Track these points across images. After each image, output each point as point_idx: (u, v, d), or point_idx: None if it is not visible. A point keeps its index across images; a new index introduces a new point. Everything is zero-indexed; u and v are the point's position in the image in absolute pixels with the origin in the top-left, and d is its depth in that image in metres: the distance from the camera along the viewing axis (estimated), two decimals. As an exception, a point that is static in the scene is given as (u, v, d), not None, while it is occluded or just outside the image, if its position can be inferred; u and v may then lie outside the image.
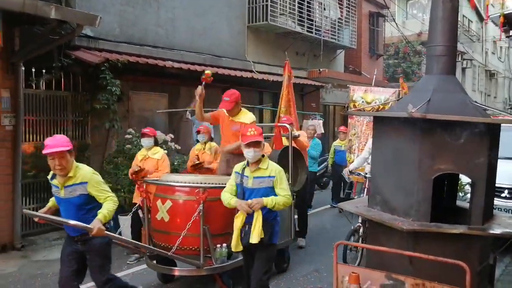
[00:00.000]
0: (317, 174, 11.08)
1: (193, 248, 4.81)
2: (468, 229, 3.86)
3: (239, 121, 5.58)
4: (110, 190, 4.12)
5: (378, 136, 4.55)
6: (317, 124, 13.61)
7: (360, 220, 5.98)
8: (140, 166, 6.00)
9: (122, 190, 7.35)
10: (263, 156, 4.27)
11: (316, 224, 8.62)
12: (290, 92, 8.32)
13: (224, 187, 4.42)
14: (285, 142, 6.87)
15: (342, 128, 10.94)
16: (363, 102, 9.70)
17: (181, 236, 4.67)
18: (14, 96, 6.99)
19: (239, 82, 11.34)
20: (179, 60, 9.80)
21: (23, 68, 7.17)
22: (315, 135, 9.70)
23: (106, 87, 7.83)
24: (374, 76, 11.93)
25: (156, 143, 6.70)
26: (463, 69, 28.66)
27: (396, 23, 21.08)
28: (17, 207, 6.92)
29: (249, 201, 4.13)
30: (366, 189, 6.64)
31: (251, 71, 11.89)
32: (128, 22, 9.12)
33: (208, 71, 5.68)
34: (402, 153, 4.14)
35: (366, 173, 6.57)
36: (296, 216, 6.94)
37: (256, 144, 4.16)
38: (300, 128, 9.54)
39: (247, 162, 4.27)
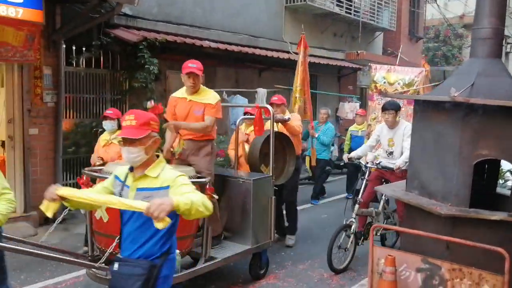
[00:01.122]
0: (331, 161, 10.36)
1: None
2: (509, 215, 3.80)
3: (202, 102, 4.69)
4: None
5: (418, 119, 4.49)
6: (354, 107, 13.50)
7: (354, 215, 5.54)
8: (102, 159, 5.49)
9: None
10: (157, 156, 2.93)
11: (315, 218, 8.06)
12: (305, 69, 7.89)
13: (196, 181, 3.98)
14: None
15: (359, 111, 10.21)
16: (384, 83, 8.84)
17: (116, 241, 3.56)
18: (56, 73, 7.23)
19: (275, 63, 11.33)
20: (216, 40, 9.85)
21: (64, 46, 7.38)
22: (328, 119, 9.26)
23: (144, 66, 7.96)
24: (399, 54, 10.86)
25: (120, 126, 5.52)
26: (507, 53, 27.69)
27: (438, 5, 20.50)
28: (58, 182, 7.18)
29: (148, 204, 2.47)
30: (364, 181, 5.85)
31: (288, 52, 11.84)
32: (166, 1, 9.18)
33: (149, 105, 4.52)
34: (443, 138, 4.08)
35: (367, 162, 5.96)
36: (284, 212, 6.63)
37: (133, 142, 2.75)
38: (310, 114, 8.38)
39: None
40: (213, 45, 9.39)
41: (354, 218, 5.52)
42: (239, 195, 5.04)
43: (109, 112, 5.85)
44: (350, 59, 14.49)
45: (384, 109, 5.98)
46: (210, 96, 4.77)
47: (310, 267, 5.78)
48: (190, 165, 4.73)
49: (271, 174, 5.27)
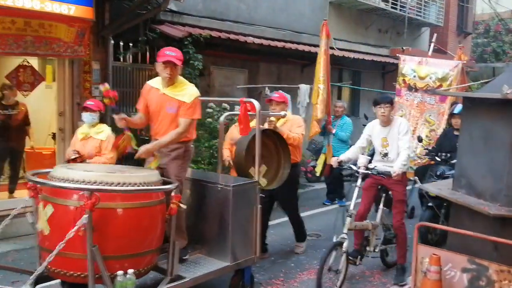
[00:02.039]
0: None
1: (81, 275, 3.30)
2: (562, 218, 3.65)
3: (176, 97, 4.01)
4: None
5: (467, 117, 4.38)
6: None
7: (345, 231, 4.62)
8: (78, 152, 5.01)
9: (202, 162, 7.63)
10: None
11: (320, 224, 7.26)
12: (327, 59, 7.39)
13: (141, 189, 3.43)
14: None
15: None
16: (415, 76, 7.88)
17: (52, 255, 3.11)
18: (104, 68, 7.44)
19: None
20: (259, 35, 9.88)
21: (112, 42, 7.60)
22: (344, 112, 8.43)
23: (188, 61, 8.07)
24: (432, 44, 9.54)
25: (101, 120, 5.36)
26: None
27: (488, -1, 19.82)
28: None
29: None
30: (357, 189, 4.86)
31: (331, 48, 11.73)
32: (211, -3, 9.32)
33: (104, 87, 3.94)
34: (493, 136, 3.95)
35: (359, 167, 4.90)
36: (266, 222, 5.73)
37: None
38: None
39: None
40: (256, 41, 9.43)
41: (346, 234, 4.63)
42: (217, 203, 4.27)
43: (90, 103, 5.23)
44: (395, 55, 14.21)
45: (376, 103, 5.06)
46: (186, 92, 4.03)
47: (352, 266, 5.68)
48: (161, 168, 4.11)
49: (256, 180, 4.43)
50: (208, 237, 4.38)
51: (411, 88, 7.87)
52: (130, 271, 3.32)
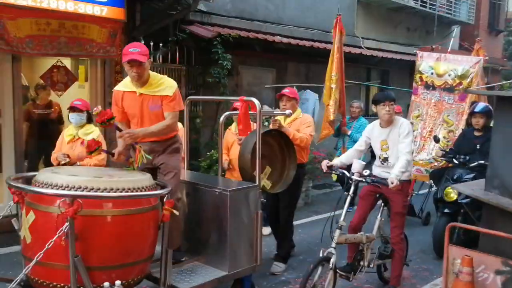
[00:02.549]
0: None
1: (65, 287, 3.09)
2: None
3: (157, 94, 3.79)
4: None
5: (500, 117, 4.28)
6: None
7: (333, 244, 4.12)
8: (68, 156, 4.72)
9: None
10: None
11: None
12: (341, 57, 7.02)
13: (128, 195, 3.18)
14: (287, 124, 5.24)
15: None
16: (432, 73, 7.32)
17: (29, 266, 2.93)
18: (135, 68, 7.56)
19: (347, 58, 11.10)
20: (288, 35, 9.87)
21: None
22: (361, 113, 7.99)
23: (217, 61, 8.12)
24: (452, 40, 8.89)
25: (89, 120, 4.98)
26: None
27: (522, -4, 19.32)
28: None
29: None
30: (349, 198, 4.33)
31: (359, 47, 11.64)
32: (239, -3, 9.34)
33: (96, 111, 3.61)
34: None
35: (353, 174, 4.34)
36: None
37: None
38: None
39: None
40: (285, 40, 9.41)
41: (334, 248, 4.11)
42: (214, 208, 4.00)
43: (77, 102, 4.90)
44: (424, 54, 14.01)
45: (378, 101, 4.53)
46: (165, 85, 3.83)
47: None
48: (154, 168, 3.95)
49: (257, 183, 4.13)
50: (206, 244, 4.11)
51: (429, 86, 7.38)
52: (118, 282, 3.05)
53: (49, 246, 2.87)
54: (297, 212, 7.28)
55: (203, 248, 4.13)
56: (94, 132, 4.87)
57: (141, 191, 3.25)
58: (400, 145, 4.42)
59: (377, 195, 4.66)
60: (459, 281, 3.63)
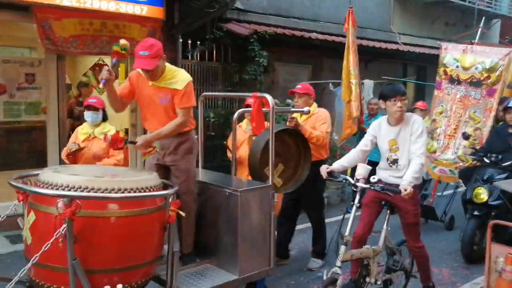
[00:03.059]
0: None
1: None
2: None
3: (168, 87, 3.61)
4: None
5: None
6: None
7: (339, 263, 3.62)
8: (78, 144, 4.63)
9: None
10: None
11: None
12: (356, 51, 6.74)
13: (127, 196, 3.00)
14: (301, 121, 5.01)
15: (419, 103, 7.85)
16: (457, 67, 6.72)
17: (25, 268, 2.83)
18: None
19: (383, 54, 11.02)
20: (323, 31, 9.83)
21: (181, 40, 7.81)
22: (379, 110, 7.45)
23: (254, 58, 8.16)
24: (480, 29, 8.26)
25: (105, 119, 4.88)
26: None
27: None
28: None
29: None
30: (354, 208, 3.78)
31: (396, 43, 11.47)
32: (275, -6, 9.35)
33: (123, 41, 3.57)
34: None
35: (358, 180, 3.80)
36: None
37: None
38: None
39: None
40: (320, 37, 9.38)
41: (340, 268, 3.61)
42: (225, 209, 3.81)
43: (92, 100, 4.78)
44: (463, 49, 13.69)
45: (387, 96, 3.94)
46: (178, 78, 3.62)
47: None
48: (166, 166, 3.80)
49: (269, 184, 3.93)
50: (217, 246, 3.92)
51: (453, 80, 6.77)
52: (119, 286, 2.94)
53: (46, 248, 2.73)
54: (332, 208, 7.31)
55: (214, 250, 3.95)
56: (110, 130, 4.71)
57: (145, 191, 3.09)
58: (413, 146, 3.83)
59: (383, 202, 4.05)
60: (502, 280, 3.55)
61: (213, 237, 3.94)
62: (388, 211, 4.06)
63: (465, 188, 5.90)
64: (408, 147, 3.87)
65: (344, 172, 4.32)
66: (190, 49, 8.14)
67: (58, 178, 2.97)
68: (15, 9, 6.14)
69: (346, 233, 3.66)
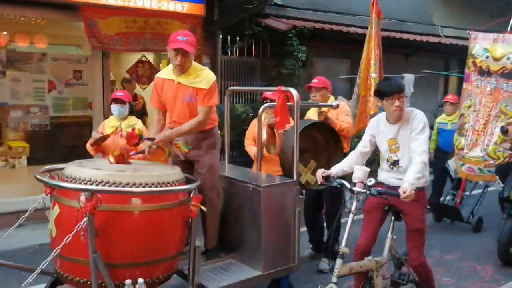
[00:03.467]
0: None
1: (87, 282, 2.98)
2: None
3: (192, 85, 3.60)
4: None
5: None
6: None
7: (335, 279, 3.20)
8: (102, 133, 4.58)
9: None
10: None
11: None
12: (379, 43, 6.34)
13: (154, 190, 3.02)
14: (312, 115, 4.97)
15: (449, 96, 7.25)
16: (487, 57, 6.22)
17: (47, 261, 2.86)
18: (213, 62, 7.83)
19: (423, 47, 10.86)
20: (361, 25, 9.77)
21: (220, 36, 7.97)
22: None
23: (292, 53, 8.23)
24: None
25: (131, 112, 4.92)
26: None
27: None
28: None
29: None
30: (350, 216, 3.31)
31: (437, 36, 11.27)
32: (313, -11, 9.37)
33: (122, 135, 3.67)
34: None
35: (355, 184, 3.38)
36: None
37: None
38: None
39: None
40: (359, 31, 9.32)
41: (336, 284, 3.20)
42: (249, 205, 3.75)
43: (119, 94, 4.74)
44: (509, 41, 13.30)
45: (384, 94, 3.54)
46: (202, 77, 3.62)
47: (459, 258, 5.48)
48: (190, 162, 3.81)
49: (294, 179, 3.87)
50: (241, 241, 3.88)
51: (483, 72, 6.25)
52: (140, 280, 2.94)
53: (67, 241, 2.80)
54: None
55: (238, 246, 3.91)
56: (137, 124, 4.75)
57: (166, 186, 3.09)
58: (414, 143, 3.45)
59: (386, 208, 3.66)
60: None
61: (237, 232, 3.91)
62: (393, 217, 3.68)
63: (501, 186, 5.62)
64: (409, 146, 3.51)
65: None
66: (229, 45, 8.28)
67: (81, 172, 3.01)
68: (64, 9, 6.43)
69: (342, 244, 3.24)
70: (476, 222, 6.48)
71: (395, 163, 3.61)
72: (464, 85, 6.47)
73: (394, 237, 3.74)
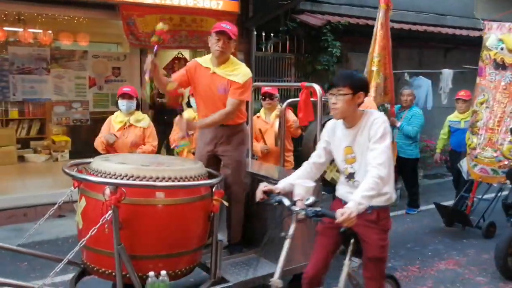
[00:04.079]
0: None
1: (113, 273, 3.06)
2: None
3: (227, 77, 3.61)
4: None
5: None
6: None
7: None
8: (116, 136, 4.70)
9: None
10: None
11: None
12: (387, 35, 5.96)
13: (179, 184, 3.08)
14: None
15: (461, 93, 6.73)
16: (502, 49, 5.69)
17: (75, 250, 2.93)
18: (247, 58, 7.91)
19: (464, 42, 10.64)
20: (399, 20, 9.67)
21: (255, 33, 8.08)
22: (414, 101, 6.92)
23: (327, 49, 8.22)
24: None
25: (138, 107, 4.96)
26: None
27: None
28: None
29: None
30: (287, 242, 2.76)
31: (479, 30, 11.01)
32: (349, -15, 9.32)
33: (160, 26, 3.46)
34: None
35: (295, 202, 2.77)
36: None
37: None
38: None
39: None
40: (396, 25, 9.22)
41: None
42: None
43: (127, 89, 4.79)
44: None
45: (329, 87, 2.87)
46: (239, 72, 3.63)
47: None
48: (216, 156, 3.86)
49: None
50: (263, 237, 3.67)
51: (498, 65, 5.75)
52: (163, 272, 3.00)
53: (93, 232, 2.87)
54: (404, 203, 7.24)
55: (260, 241, 3.79)
56: (145, 119, 4.89)
57: (189, 180, 3.14)
58: (370, 154, 2.74)
59: (342, 229, 2.84)
60: None
61: (259, 228, 3.95)
62: (352, 240, 2.97)
63: None
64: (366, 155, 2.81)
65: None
66: (264, 42, 8.37)
67: (106, 166, 3.10)
68: (104, 8, 6.71)
69: (275, 276, 2.64)
70: (487, 227, 5.98)
71: (351, 176, 2.95)
72: (478, 79, 6.00)
73: (355, 262, 3.14)
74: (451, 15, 10.79)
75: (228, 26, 3.60)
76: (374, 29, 6.01)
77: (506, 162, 5.65)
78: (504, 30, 5.75)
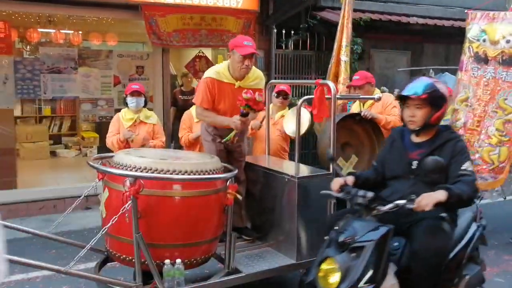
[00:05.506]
0: None
1: (133, 260, 3.27)
2: None
3: (253, 87, 3.86)
4: None
5: None
6: None
7: None
8: (133, 132, 4.94)
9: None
10: None
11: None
12: (348, 25, 6.01)
13: (195, 177, 3.28)
14: (355, 108, 4.96)
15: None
16: (484, 41, 5.19)
17: (95, 239, 3.16)
18: (267, 56, 8.10)
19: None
20: (424, 15, 9.71)
21: (275, 30, 8.25)
22: None
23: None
24: None
25: (146, 103, 5.18)
26: None
27: None
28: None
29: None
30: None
31: (510, 24, 10.93)
32: (373, -21, 9.38)
33: (257, 97, 3.67)
34: None
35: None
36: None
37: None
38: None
39: None
40: (420, 21, 9.26)
41: None
42: (284, 195, 3.95)
43: (136, 86, 4.97)
44: None
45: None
46: (259, 78, 3.98)
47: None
48: (228, 150, 4.14)
49: (330, 172, 3.94)
50: (277, 230, 4.08)
51: (480, 59, 5.23)
52: (178, 261, 3.21)
53: (113, 221, 3.12)
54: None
55: (274, 234, 4.12)
56: (153, 115, 5.20)
57: (204, 174, 3.34)
58: None
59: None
60: None
61: (273, 221, 4.11)
62: None
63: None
64: None
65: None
66: (284, 39, 8.56)
67: (127, 159, 3.33)
68: (127, 8, 7.02)
69: None
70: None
71: None
72: (459, 74, 5.47)
73: None
74: (482, 9, 10.73)
75: (250, 43, 3.76)
76: (341, 18, 6.13)
77: (484, 167, 5.24)
78: (487, 20, 5.26)
